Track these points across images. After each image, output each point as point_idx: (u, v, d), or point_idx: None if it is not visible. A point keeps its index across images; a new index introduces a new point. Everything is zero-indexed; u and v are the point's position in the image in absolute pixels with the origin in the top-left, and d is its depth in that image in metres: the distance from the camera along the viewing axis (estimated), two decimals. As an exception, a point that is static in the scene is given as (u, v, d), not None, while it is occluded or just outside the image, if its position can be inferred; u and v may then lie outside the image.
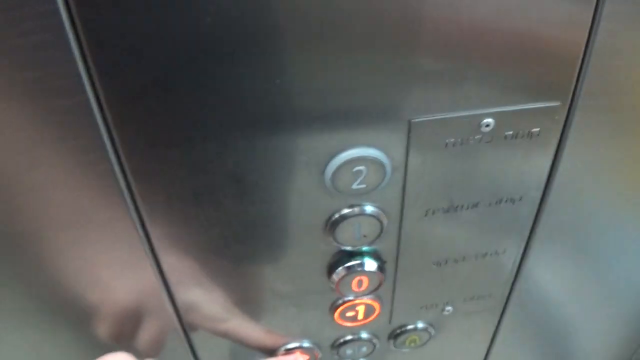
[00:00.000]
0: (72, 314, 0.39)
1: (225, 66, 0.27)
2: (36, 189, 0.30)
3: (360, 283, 0.40)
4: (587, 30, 0.29)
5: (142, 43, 0.25)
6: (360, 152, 0.32)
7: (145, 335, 0.42)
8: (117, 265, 0.36)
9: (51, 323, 0.40)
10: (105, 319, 0.40)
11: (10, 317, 0.38)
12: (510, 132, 0.33)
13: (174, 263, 0.36)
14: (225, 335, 0.44)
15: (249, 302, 0.41)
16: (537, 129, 0.33)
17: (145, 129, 0.29)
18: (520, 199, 0.37)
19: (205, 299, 0.40)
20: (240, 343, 0.45)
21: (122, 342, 0.42)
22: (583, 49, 0.29)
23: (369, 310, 0.45)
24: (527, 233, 0.41)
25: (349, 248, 0.38)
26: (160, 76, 0.27)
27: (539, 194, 0.37)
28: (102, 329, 0.40)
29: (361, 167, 0.32)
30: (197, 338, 0.44)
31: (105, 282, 0.37)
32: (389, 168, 0.33)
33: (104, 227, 0.33)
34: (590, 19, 0.28)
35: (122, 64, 0.26)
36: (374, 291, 0.42)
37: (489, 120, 0.32)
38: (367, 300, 0.43)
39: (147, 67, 0.26)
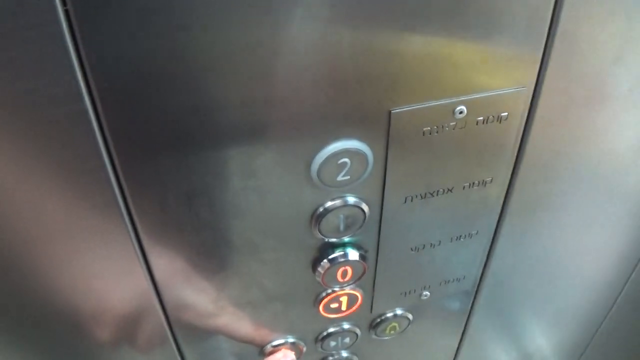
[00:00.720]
0: (60, 318, 0.39)
1: (212, 73, 0.28)
2: (30, 199, 0.30)
3: (344, 273, 0.42)
4: (549, 18, 0.31)
5: (137, 50, 0.26)
6: (343, 144, 0.33)
7: (134, 337, 0.42)
8: (108, 271, 0.36)
9: (39, 329, 0.39)
10: (94, 321, 0.40)
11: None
12: (481, 118, 0.35)
13: (165, 265, 0.37)
14: (214, 332, 0.44)
15: (237, 301, 0.42)
16: (506, 113, 0.35)
17: (142, 135, 0.29)
18: (491, 180, 0.39)
19: (194, 299, 0.41)
20: (228, 338, 0.45)
21: (110, 344, 0.42)
22: (546, 36, 0.32)
23: (351, 300, 0.46)
24: (497, 213, 0.43)
25: (333, 240, 0.40)
26: (156, 82, 0.28)
27: (508, 175, 0.40)
28: (90, 332, 0.40)
29: (345, 159, 0.34)
30: (184, 340, 0.44)
31: (96, 287, 0.37)
32: (371, 158, 0.35)
33: (96, 234, 0.33)
34: (552, 7, 0.31)
35: (120, 70, 0.26)
36: (357, 280, 0.43)
37: (462, 107, 0.34)
38: (350, 290, 0.45)
39: (144, 73, 0.27)
